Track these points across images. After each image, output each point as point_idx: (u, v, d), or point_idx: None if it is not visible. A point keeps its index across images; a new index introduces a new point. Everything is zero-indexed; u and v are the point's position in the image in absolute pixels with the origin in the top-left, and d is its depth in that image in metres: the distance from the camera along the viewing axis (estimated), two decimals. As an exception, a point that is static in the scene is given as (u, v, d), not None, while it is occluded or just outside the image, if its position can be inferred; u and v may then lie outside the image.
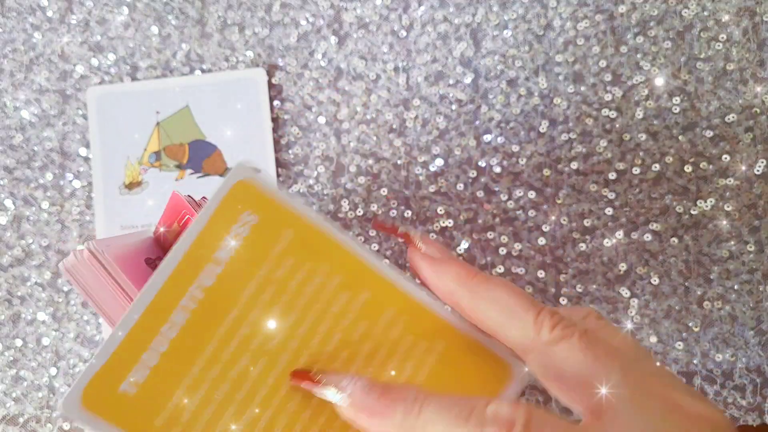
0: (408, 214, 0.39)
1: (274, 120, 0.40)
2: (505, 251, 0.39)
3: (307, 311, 0.24)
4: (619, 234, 0.39)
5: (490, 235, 0.39)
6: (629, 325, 0.38)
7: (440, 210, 0.39)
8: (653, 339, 0.38)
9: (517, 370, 0.26)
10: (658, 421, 0.21)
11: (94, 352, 0.28)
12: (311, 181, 0.40)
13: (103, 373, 0.23)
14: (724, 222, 0.39)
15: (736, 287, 0.39)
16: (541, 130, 0.40)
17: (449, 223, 0.39)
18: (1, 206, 0.40)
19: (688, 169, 0.39)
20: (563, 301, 0.39)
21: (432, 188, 0.40)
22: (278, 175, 0.40)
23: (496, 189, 0.39)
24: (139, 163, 0.39)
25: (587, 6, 0.40)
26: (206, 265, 0.23)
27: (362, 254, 0.25)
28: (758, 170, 0.39)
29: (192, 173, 0.39)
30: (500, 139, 0.40)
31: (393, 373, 0.25)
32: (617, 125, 0.39)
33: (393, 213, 0.39)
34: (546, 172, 0.39)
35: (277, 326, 0.24)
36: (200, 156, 0.39)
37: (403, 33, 0.40)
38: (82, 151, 0.40)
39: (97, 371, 0.23)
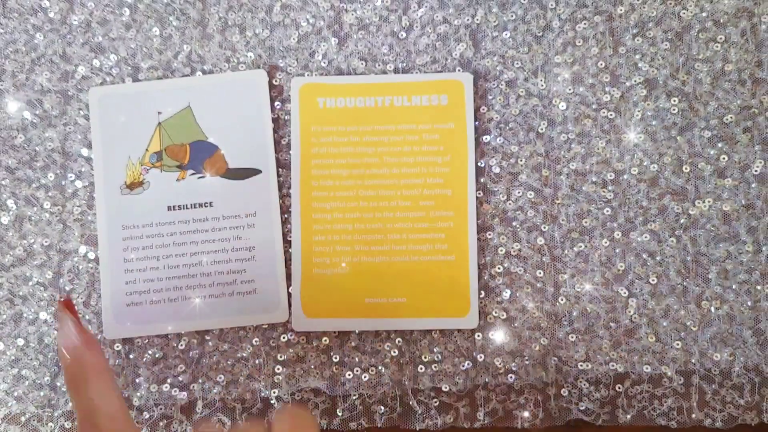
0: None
1: (275, 121, 0.40)
2: (504, 251, 0.39)
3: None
4: (618, 234, 0.39)
5: (489, 235, 0.39)
6: (629, 325, 0.39)
7: (440, 210, 0.40)
8: (651, 338, 0.39)
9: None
10: None
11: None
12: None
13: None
14: (722, 222, 0.39)
15: (734, 287, 0.39)
16: (540, 131, 0.40)
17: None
18: (3, 206, 0.40)
19: (686, 169, 0.39)
20: (561, 300, 0.39)
21: (431, 188, 0.40)
22: (278, 176, 0.40)
23: (495, 189, 0.40)
24: (141, 163, 0.39)
25: (586, 7, 0.40)
26: None
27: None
28: (756, 170, 0.39)
29: (193, 173, 0.39)
30: (499, 140, 0.40)
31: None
32: (616, 126, 0.40)
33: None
34: (545, 172, 0.40)
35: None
36: (201, 156, 0.39)
37: (403, 34, 0.40)
38: (84, 152, 0.40)
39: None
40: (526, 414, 0.39)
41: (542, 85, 0.40)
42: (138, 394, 0.39)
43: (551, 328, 0.39)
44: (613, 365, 0.39)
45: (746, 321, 0.39)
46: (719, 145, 0.39)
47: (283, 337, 0.39)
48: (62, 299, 0.32)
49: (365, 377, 0.39)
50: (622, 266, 0.39)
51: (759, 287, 0.39)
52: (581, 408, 0.38)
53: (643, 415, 0.38)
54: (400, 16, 0.40)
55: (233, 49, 0.40)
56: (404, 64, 0.40)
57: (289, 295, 0.39)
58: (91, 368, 0.30)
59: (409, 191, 0.39)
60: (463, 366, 0.39)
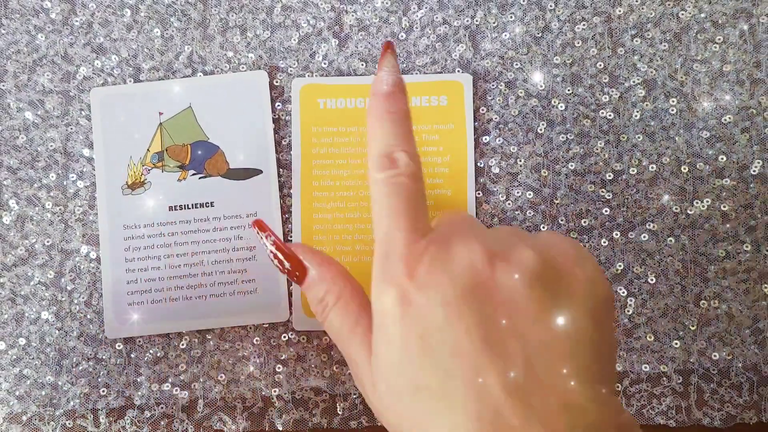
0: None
1: (276, 121, 0.40)
2: (503, 251, 0.39)
3: None
4: (616, 234, 0.39)
5: (488, 234, 0.40)
6: (628, 324, 0.39)
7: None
8: (650, 338, 0.39)
9: None
10: None
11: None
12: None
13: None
14: (721, 222, 0.39)
15: (732, 286, 0.39)
16: (539, 131, 0.40)
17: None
18: (5, 206, 0.40)
19: (684, 169, 0.40)
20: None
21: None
22: (279, 176, 0.40)
23: (495, 189, 0.40)
24: (142, 163, 0.40)
25: (585, 8, 0.40)
26: None
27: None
28: (754, 171, 0.39)
29: (194, 174, 0.40)
30: (498, 140, 0.40)
31: None
32: (615, 126, 0.40)
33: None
34: (544, 172, 0.40)
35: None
36: (202, 157, 0.40)
37: (403, 35, 0.40)
38: (86, 152, 0.40)
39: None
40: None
41: (541, 86, 0.40)
42: (139, 393, 0.39)
43: (550, 327, 0.39)
44: (612, 364, 0.39)
45: (745, 320, 0.39)
46: (717, 145, 0.39)
47: (284, 337, 0.39)
48: (254, 221, 0.30)
49: (365, 376, 0.39)
50: (620, 266, 0.39)
51: (757, 287, 0.39)
52: (580, 407, 0.39)
53: (642, 414, 0.39)
54: (400, 17, 0.41)
55: (234, 50, 0.41)
56: (404, 65, 0.40)
57: (290, 294, 0.39)
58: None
59: None
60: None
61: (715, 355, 0.39)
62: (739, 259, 0.39)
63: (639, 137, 0.40)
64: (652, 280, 0.39)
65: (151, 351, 0.39)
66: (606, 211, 0.39)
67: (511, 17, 0.40)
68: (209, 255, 0.39)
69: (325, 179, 0.39)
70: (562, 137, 0.40)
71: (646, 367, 0.39)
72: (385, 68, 0.29)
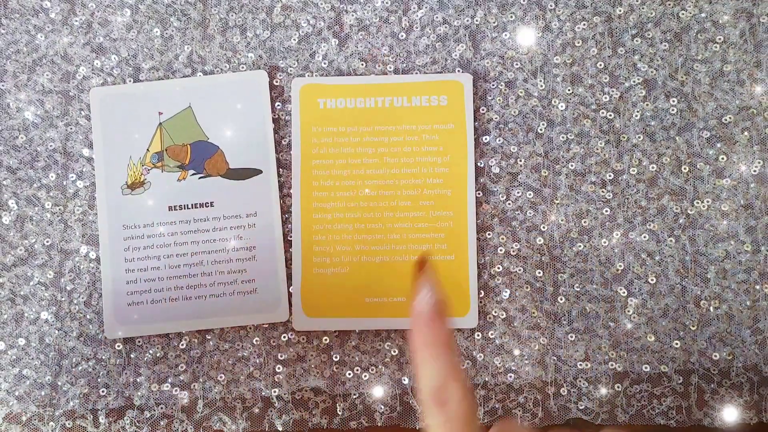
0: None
1: (276, 121, 0.40)
2: (503, 251, 0.39)
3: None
4: (617, 234, 0.39)
5: (488, 234, 0.40)
6: (628, 325, 0.39)
7: (439, 210, 0.40)
8: (651, 338, 0.39)
9: None
10: None
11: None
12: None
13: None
14: (721, 222, 0.39)
15: (732, 287, 0.39)
16: (540, 131, 0.40)
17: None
18: (4, 206, 0.40)
19: (684, 169, 0.39)
20: (561, 299, 0.39)
21: (431, 188, 0.40)
22: (279, 176, 0.40)
23: (495, 189, 0.40)
24: (142, 163, 0.40)
25: (585, 8, 0.40)
26: None
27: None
28: (755, 171, 0.39)
29: (194, 174, 0.40)
30: (499, 140, 0.40)
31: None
32: (615, 126, 0.40)
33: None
34: (544, 172, 0.40)
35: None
36: (202, 157, 0.40)
37: (403, 35, 0.40)
38: (85, 152, 0.40)
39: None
40: (525, 413, 0.39)
41: (541, 86, 0.40)
42: (139, 393, 0.39)
43: (550, 327, 0.39)
44: (612, 364, 0.39)
45: (745, 320, 0.39)
46: (718, 145, 0.39)
47: (284, 337, 0.39)
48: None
49: (365, 376, 0.39)
50: (621, 266, 0.39)
51: (758, 287, 0.39)
52: (580, 407, 0.39)
53: (642, 415, 0.39)
54: (400, 17, 0.40)
55: (234, 49, 0.40)
56: (404, 65, 0.40)
57: (290, 294, 0.39)
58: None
59: (409, 191, 0.39)
60: (463, 365, 0.39)
61: (715, 355, 0.39)
62: (739, 259, 0.39)
63: (639, 137, 0.40)
64: (652, 280, 0.39)
65: (150, 351, 0.39)
66: (606, 211, 0.39)
67: (511, 17, 0.40)
68: (209, 255, 0.39)
69: (324, 179, 0.39)
70: (562, 137, 0.40)
71: (646, 368, 0.39)
72: (425, 288, 0.29)
